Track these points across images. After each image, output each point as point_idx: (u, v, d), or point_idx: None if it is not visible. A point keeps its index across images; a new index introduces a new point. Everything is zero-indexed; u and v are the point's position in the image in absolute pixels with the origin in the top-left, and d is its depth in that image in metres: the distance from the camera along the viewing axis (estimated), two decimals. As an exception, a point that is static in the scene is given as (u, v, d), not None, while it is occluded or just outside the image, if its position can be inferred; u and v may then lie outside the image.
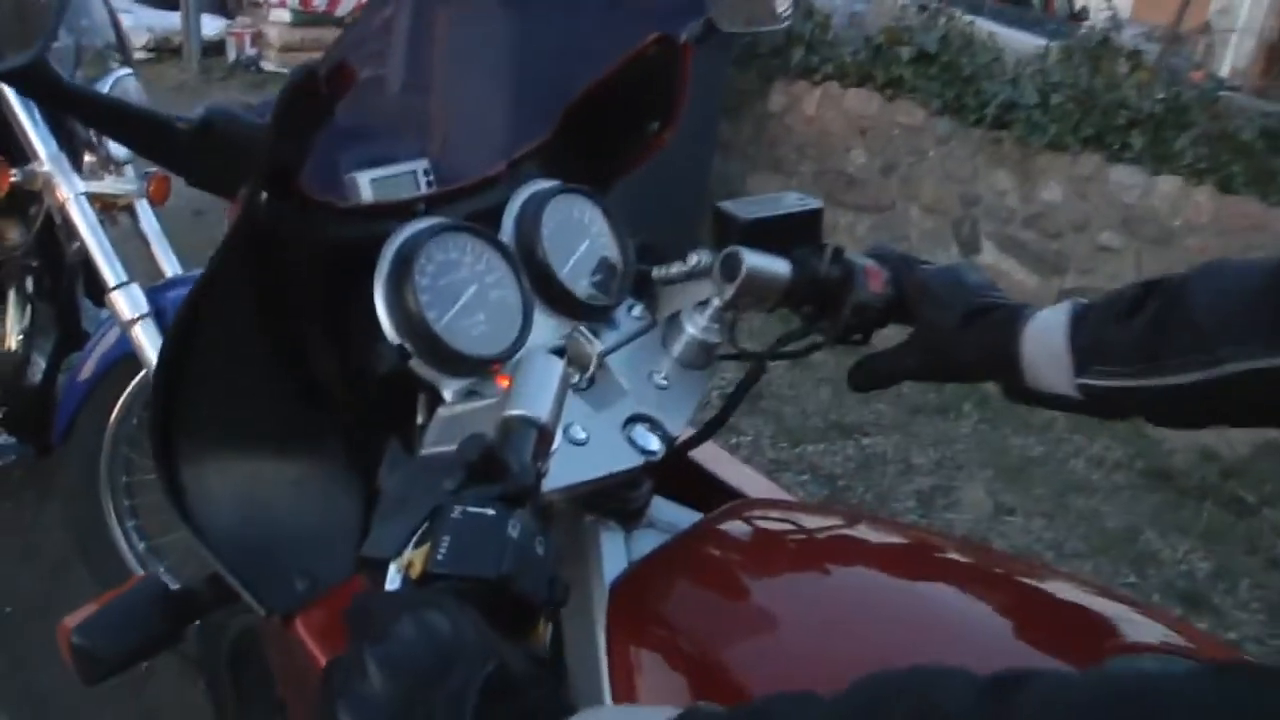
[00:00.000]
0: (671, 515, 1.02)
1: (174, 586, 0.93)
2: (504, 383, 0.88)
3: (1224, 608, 3.04)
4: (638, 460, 0.90)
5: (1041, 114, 4.31)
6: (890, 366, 0.98)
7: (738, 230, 1.00)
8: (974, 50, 4.75)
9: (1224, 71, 6.81)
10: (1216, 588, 3.13)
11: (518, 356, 0.90)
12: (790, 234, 1.02)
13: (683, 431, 0.97)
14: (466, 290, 0.89)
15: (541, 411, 0.70)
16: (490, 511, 0.62)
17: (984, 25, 5.36)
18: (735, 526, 0.99)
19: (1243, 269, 0.79)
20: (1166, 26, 5.91)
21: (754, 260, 0.96)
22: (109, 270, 2.07)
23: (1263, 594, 3.14)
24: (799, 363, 3.89)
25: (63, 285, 2.54)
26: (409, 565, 0.62)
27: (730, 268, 0.96)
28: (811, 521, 1.01)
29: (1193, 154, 3.97)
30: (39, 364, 2.66)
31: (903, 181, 4.98)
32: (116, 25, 2.35)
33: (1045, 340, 0.87)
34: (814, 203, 1.05)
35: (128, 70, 2.29)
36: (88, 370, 2.22)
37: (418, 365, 0.86)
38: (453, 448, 0.71)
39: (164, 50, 7.95)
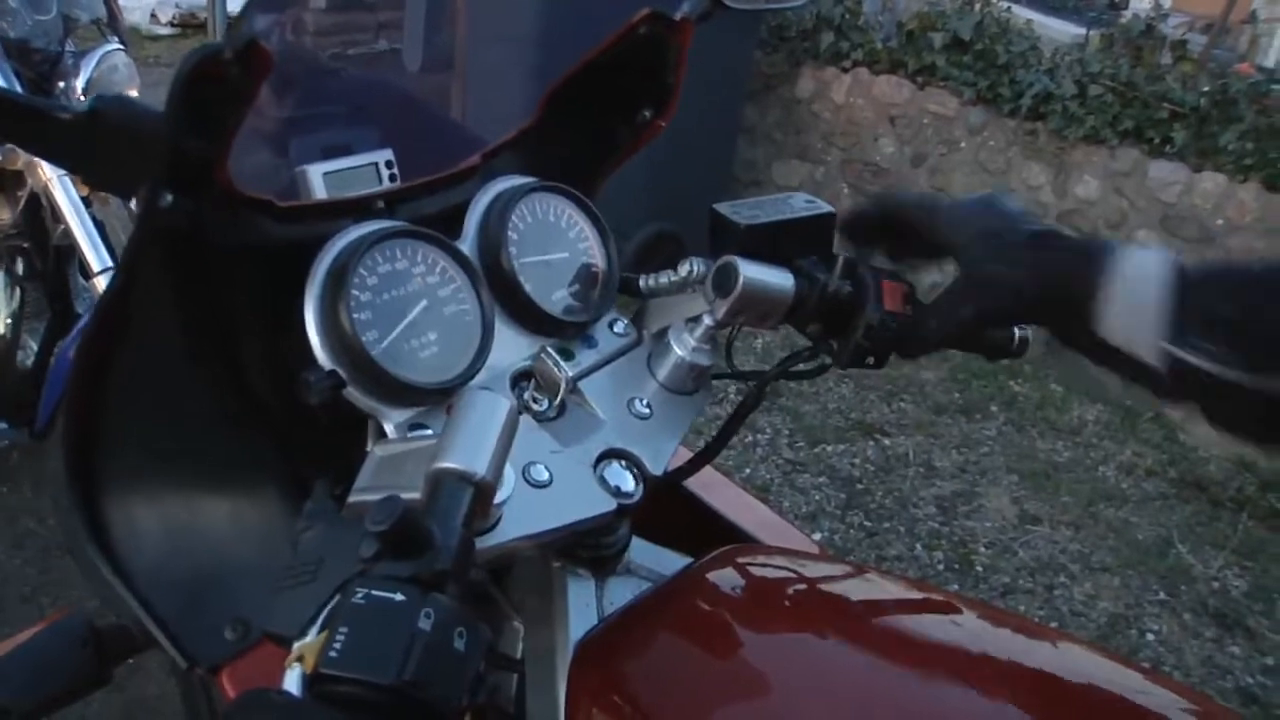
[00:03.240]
0: (654, 560, 0.91)
1: (100, 622, 0.83)
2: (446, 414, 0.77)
3: (1259, 630, 2.90)
4: (609, 505, 0.79)
5: (1079, 105, 4.15)
6: (942, 322, 0.84)
7: (735, 237, 0.88)
8: (1009, 38, 4.58)
9: (1269, 63, 6.59)
10: (1252, 608, 2.99)
11: (476, 385, 0.79)
12: (797, 242, 0.90)
13: (664, 469, 0.85)
14: (414, 306, 0.78)
15: (478, 464, 0.59)
16: (398, 597, 0.51)
17: (1021, 12, 5.18)
18: (724, 576, 0.87)
19: None
20: (1215, 16, 5.70)
21: (751, 272, 0.84)
22: (92, 254, 1.98)
23: (1301, 613, 3.00)
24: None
25: (51, 267, 2.45)
26: (301, 658, 0.51)
27: (724, 280, 0.85)
28: (810, 571, 0.89)
29: (1238, 149, 3.80)
30: (30, 347, 2.59)
31: (932, 172, 4.82)
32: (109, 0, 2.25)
33: (1137, 284, 0.73)
34: (824, 207, 0.92)
35: (117, 45, 2.19)
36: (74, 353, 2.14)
37: (354, 394, 0.74)
38: (379, 496, 0.60)
39: (189, 26, 7.88)
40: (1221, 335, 0.69)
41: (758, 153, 5.43)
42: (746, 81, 5.00)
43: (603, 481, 0.80)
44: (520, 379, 0.84)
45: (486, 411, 0.61)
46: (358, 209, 0.84)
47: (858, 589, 0.88)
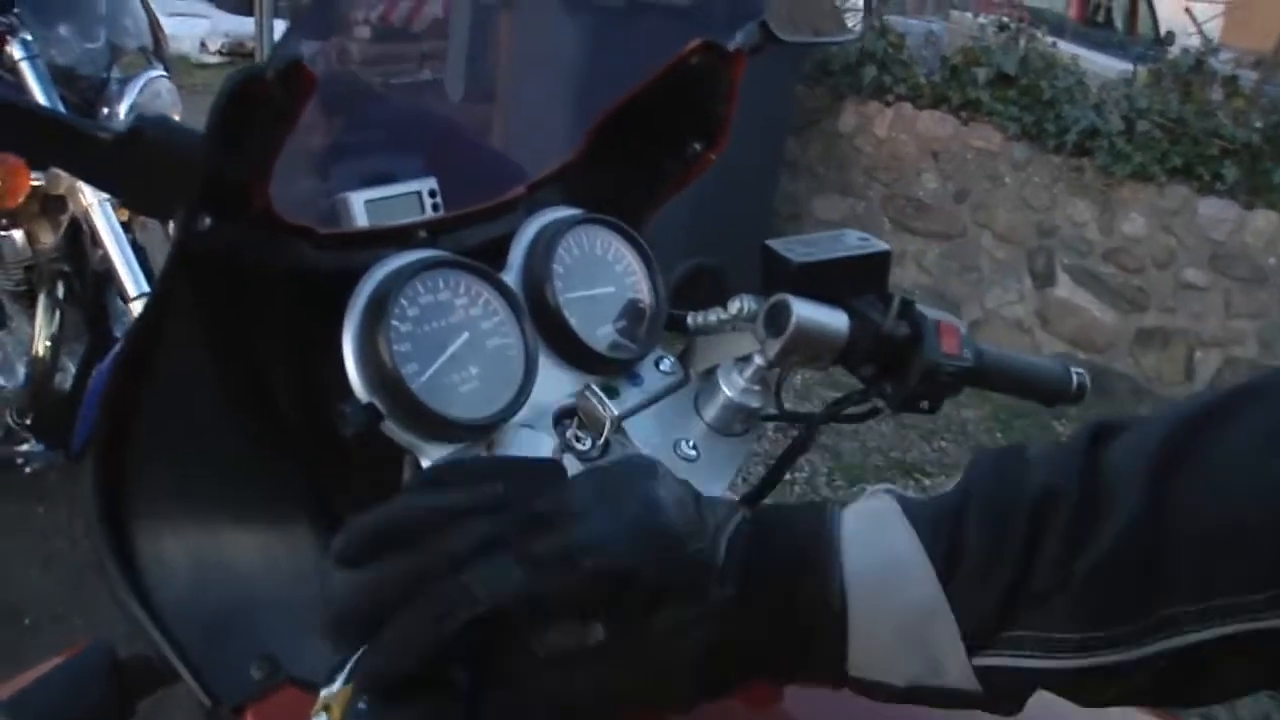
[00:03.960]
0: None
1: (124, 654, 0.80)
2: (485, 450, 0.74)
3: None
4: None
5: (1126, 142, 4.09)
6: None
7: (788, 274, 0.84)
8: (1055, 73, 4.53)
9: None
10: None
11: (509, 425, 0.76)
12: (851, 280, 0.87)
13: None
14: (456, 339, 0.75)
15: None
16: None
17: (1066, 48, 5.14)
18: None
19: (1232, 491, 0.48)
20: (1265, 51, 5.62)
21: (805, 311, 0.81)
22: (129, 279, 1.98)
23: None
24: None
25: (90, 291, 2.46)
26: (327, 707, 0.48)
27: (777, 319, 0.81)
28: None
29: (1292, 187, 3.73)
30: (69, 369, 2.60)
31: (975, 208, 4.77)
32: (155, 27, 2.27)
33: (881, 584, 0.52)
34: (879, 245, 0.89)
35: (161, 72, 2.21)
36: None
37: (391, 428, 0.71)
38: None
39: (239, 54, 7.99)
40: (1040, 617, 0.49)
41: (799, 187, 5.40)
42: (789, 116, 4.98)
43: None
44: (563, 417, 0.80)
45: (529, 454, 0.58)
46: (399, 238, 0.81)
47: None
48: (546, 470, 0.56)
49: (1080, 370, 0.99)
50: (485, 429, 0.74)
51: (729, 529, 0.52)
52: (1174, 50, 5.45)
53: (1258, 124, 3.87)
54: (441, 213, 0.91)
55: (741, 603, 0.50)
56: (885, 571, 0.51)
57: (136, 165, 0.64)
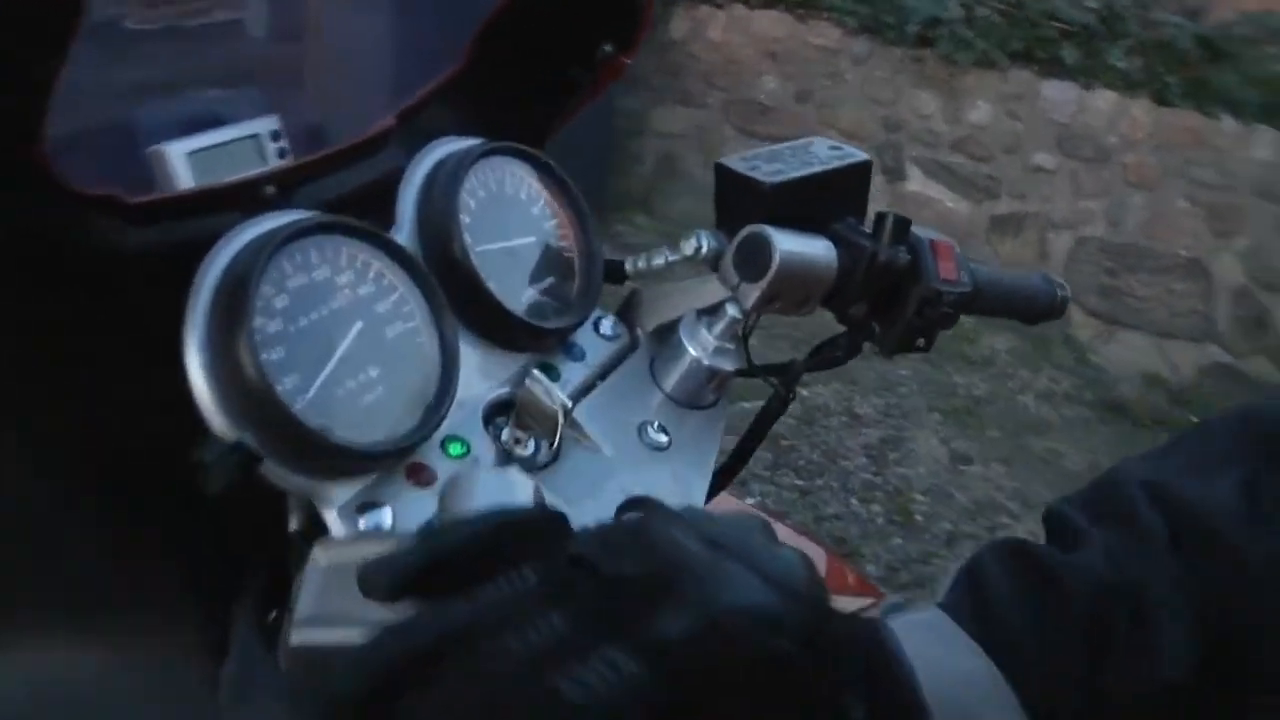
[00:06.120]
0: None
1: None
2: (425, 481, 0.55)
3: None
4: None
5: (967, 29, 4.04)
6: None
7: (759, 200, 0.68)
8: (890, -37, 4.44)
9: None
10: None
11: (442, 434, 0.57)
12: (829, 201, 0.71)
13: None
14: (346, 332, 0.56)
15: None
16: None
17: (894, -63, 5.05)
18: None
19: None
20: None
21: (788, 244, 0.66)
22: None
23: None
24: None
25: None
26: None
27: (755, 258, 0.66)
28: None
29: (1127, 66, 3.75)
30: None
31: (820, 107, 4.67)
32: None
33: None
34: (857, 154, 0.73)
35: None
36: None
37: (274, 471, 0.51)
38: (344, 634, 0.40)
39: None
40: None
41: (635, 101, 5.19)
42: (619, 25, 4.77)
43: None
44: (494, 414, 0.62)
45: (500, 500, 0.41)
46: (241, 199, 0.60)
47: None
48: (558, 525, 0.38)
49: (1061, 282, 0.87)
50: (401, 453, 0.55)
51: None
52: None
53: (1092, 4, 3.86)
54: (290, 159, 0.71)
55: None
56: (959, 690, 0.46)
57: None
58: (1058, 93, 3.94)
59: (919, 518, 2.89)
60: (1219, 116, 3.63)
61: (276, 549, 0.56)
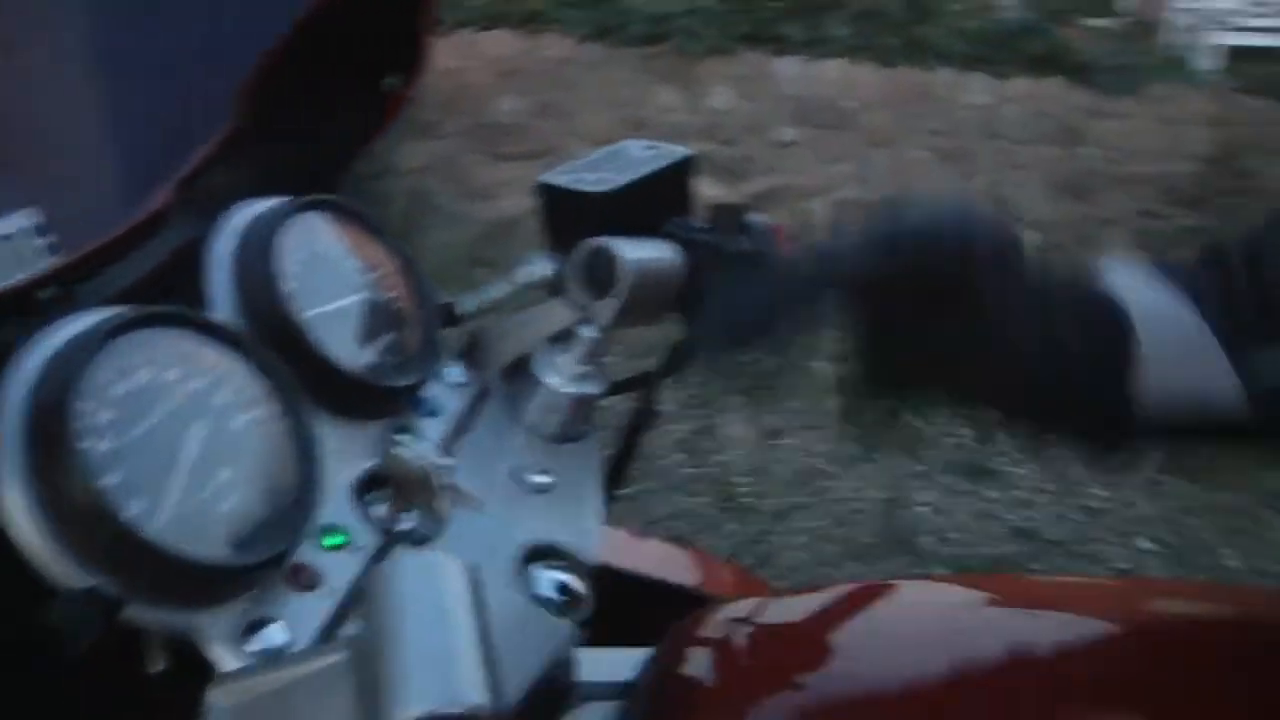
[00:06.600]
0: (600, 669, 0.66)
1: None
2: (309, 583, 0.49)
3: (1005, 468, 3.06)
4: (564, 628, 0.57)
5: (694, 20, 4.14)
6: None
7: (592, 211, 0.66)
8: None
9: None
10: (994, 451, 3.14)
11: (315, 526, 0.50)
12: (656, 203, 0.69)
13: (597, 546, 0.63)
14: (187, 435, 0.47)
15: (467, 692, 0.36)
16: None
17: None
18: (704, 660, 0.63)
19: None
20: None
21: (633, 253, 0.63)
22: None
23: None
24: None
25: None
26: None
27: (600, 272, 0.63)
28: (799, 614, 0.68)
29: (847, 35, 3.94)
30: None
31: (562, 118, 4.69)
32: None
33: (1165, 322, 0.53)
34: (675, 150, 0.72)
35: None
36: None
37: (141, 614, 0.43)
38: None
39: None
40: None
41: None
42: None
43: (540, 601, 0.57)
44: (364, 491, 0.55)
45: (433, 590, 0.36)
46: (19, 308, 0.50)
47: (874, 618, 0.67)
48: None
49: None
50: (279, 557, 0.47)
51: None
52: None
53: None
54: (64, 255, 0.62)
55: None
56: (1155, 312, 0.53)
57: None
58: (788, 68, 4.10)
59: (747, 499, 2.92)
60: (936, 69, 3.87)
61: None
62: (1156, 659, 0.55)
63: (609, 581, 0.71)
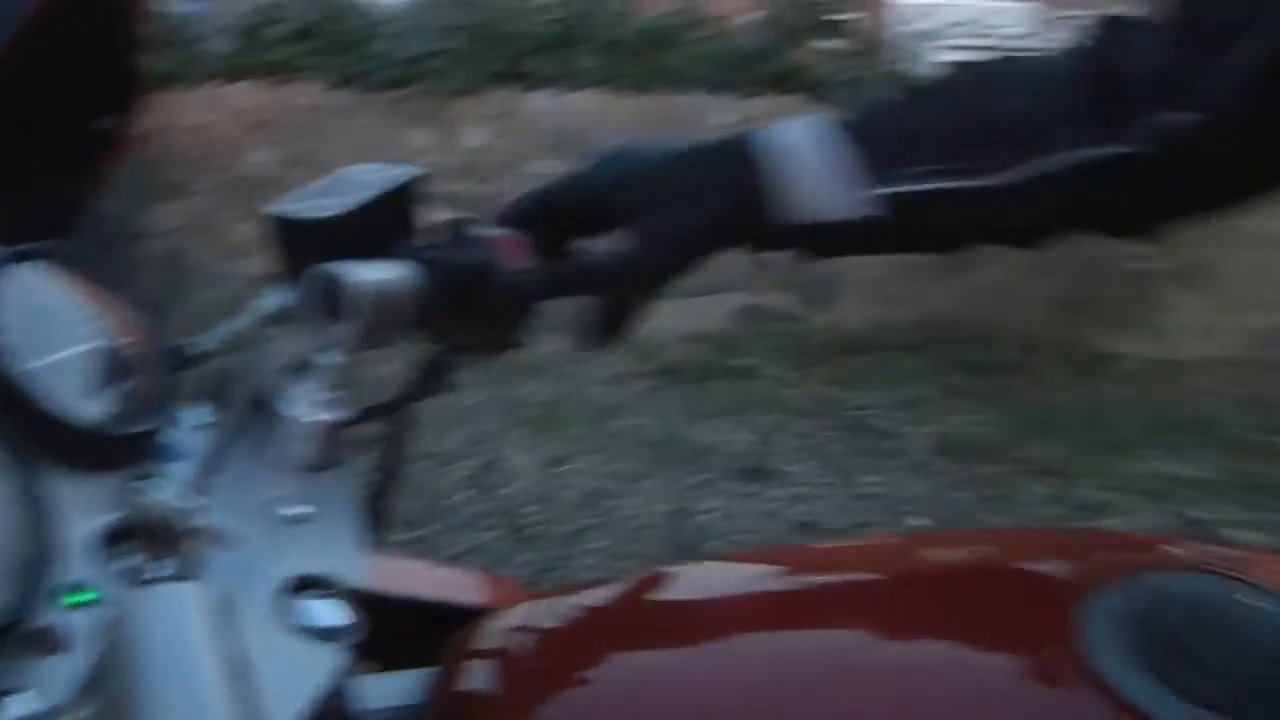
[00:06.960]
0: (386, 693, 0.66)
1: None
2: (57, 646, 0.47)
3: (783, 468, 3.18)
4: (336, 657, 0.55)
5: (441, 61, 4.15)
6: (631, 293, 0.70)
7: (315, 239, 0.65)
8: (351, 15, 4.46)
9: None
10: (771, 452, 3.26)
11: (59, 587, 0.49)
12: (384, 225, 0.69)
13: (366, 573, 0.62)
14: None
15: None
16: None
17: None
18: (486, 670, 0.65)
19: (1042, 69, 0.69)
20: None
21: (355, 275, 0.63)
22: None
23: (805, 442, 3.34)
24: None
25: None
26: None
27: (325, 298, 0.62)
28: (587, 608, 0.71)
29: (597, 65, 4.05)
30: None
31: (314, 168, 4.53)
32: None
33: (809, 154, 0.67)
34: (405, 170, 0.72)
35: None
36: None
37: None
38: None
39: None
40: (915, 156, 0.66)
41: (120, 204, 4.82)
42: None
43: (305, 631, 0.55)
44: (112, 543, 0.54)
45: (177, 624, 0.37)
46: None
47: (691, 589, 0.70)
48: None
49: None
50: (16, 625, 0.46)
51: None
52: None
53: (555, 17, 4.12)
54: None
55: None
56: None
57: None
58: (540, 102, 4.17)
59: (537, 528, 2.94)
60: (685, 94, 4.02)
61: None
62: (921, 602, 0.60)
63: (384, 607, 0.71)
